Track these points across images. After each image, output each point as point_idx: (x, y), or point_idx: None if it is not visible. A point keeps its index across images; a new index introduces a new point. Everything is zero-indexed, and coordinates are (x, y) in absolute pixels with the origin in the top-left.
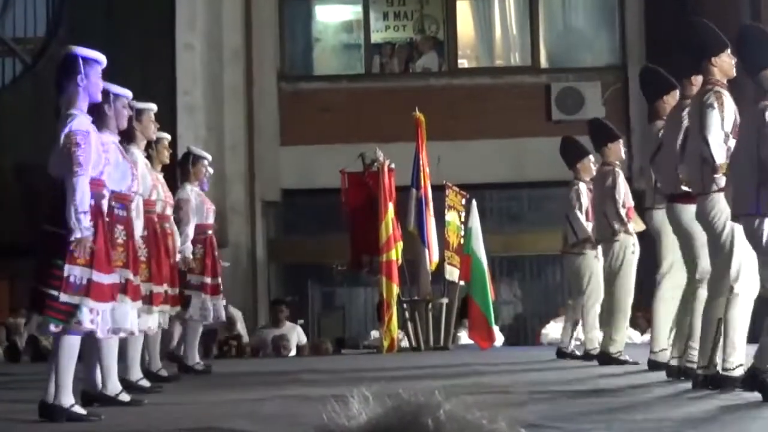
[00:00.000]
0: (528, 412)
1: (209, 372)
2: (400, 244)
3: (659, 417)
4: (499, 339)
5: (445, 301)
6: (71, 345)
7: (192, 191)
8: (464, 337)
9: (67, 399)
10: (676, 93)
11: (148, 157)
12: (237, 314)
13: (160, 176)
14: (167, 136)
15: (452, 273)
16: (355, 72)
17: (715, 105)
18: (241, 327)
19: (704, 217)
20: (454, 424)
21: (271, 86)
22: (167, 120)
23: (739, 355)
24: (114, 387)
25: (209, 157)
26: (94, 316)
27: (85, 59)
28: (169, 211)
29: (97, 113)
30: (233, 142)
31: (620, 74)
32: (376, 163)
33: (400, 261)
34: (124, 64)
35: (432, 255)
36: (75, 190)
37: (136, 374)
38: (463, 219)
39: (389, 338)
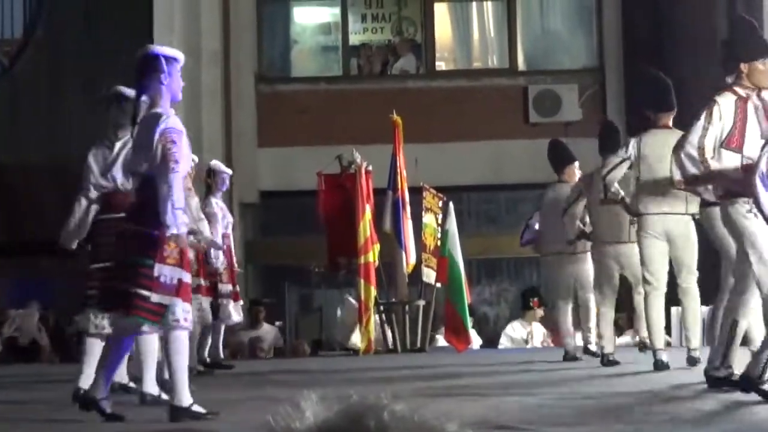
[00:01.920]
0: (498, 414)
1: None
2: (377, 247)
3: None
4: (476, 341)
5: (421, 303)
6: (182, 342)
7: (217, 205)
8: (441, 340)
9: (186, 399)
10: None
11: None
12: None
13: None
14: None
15: (429, 275)
16: (332, 74)
17: (702, 116)
18: None
19: (727, 221)
20: (399, 425)
21: (249, 88)
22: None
23: None
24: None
25: (230, 171)
26: (186, 314)
27: (167, 57)
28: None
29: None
30: (211, 144)
31: (597, 77)
32: (354, 165)
33: (377, 263)
34: (101, 67)
35: (409, 257)
36: (171, 187)
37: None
38: (440, 221)
39: (366, 340)
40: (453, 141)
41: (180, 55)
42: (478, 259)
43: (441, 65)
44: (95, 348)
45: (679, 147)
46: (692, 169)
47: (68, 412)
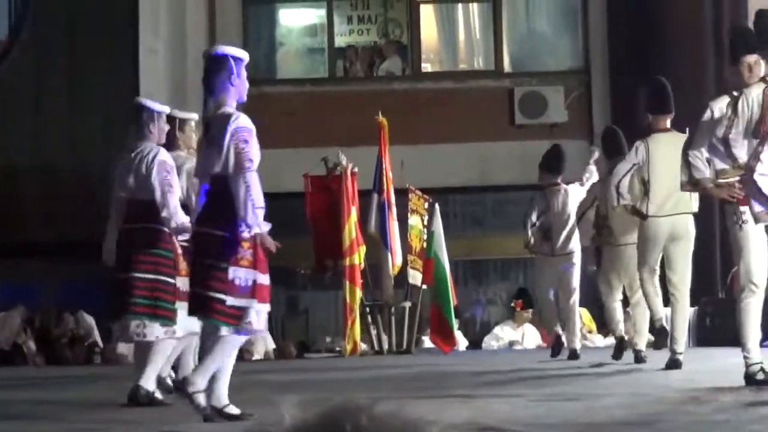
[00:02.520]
0: (484, 415)
1: None
2: (363, 249)
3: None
4: (462, 343)
5: (407, 304)
6: (234, 346)
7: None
8: (427, 341)
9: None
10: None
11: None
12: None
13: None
14: (195, 116)
15: (415, 277)
16: (318, 76)
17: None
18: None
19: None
20: (377, 428)
21: None
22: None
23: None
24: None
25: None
26: (258, 317)
27: (234, 58)
28: None
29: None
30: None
31: (583, 78)
32: (339, 167)
33: (362, 265)
34: (87, 69)
35: (395, 259)
36: (249, 186)
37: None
38: (426, 223)
39: (352, 342)
40: (439, 143)
41: (246, 55)
42: (464, 261)
43: (427, 67)
44: (165, 347)
45: (687, 149)
46: (701, 170)
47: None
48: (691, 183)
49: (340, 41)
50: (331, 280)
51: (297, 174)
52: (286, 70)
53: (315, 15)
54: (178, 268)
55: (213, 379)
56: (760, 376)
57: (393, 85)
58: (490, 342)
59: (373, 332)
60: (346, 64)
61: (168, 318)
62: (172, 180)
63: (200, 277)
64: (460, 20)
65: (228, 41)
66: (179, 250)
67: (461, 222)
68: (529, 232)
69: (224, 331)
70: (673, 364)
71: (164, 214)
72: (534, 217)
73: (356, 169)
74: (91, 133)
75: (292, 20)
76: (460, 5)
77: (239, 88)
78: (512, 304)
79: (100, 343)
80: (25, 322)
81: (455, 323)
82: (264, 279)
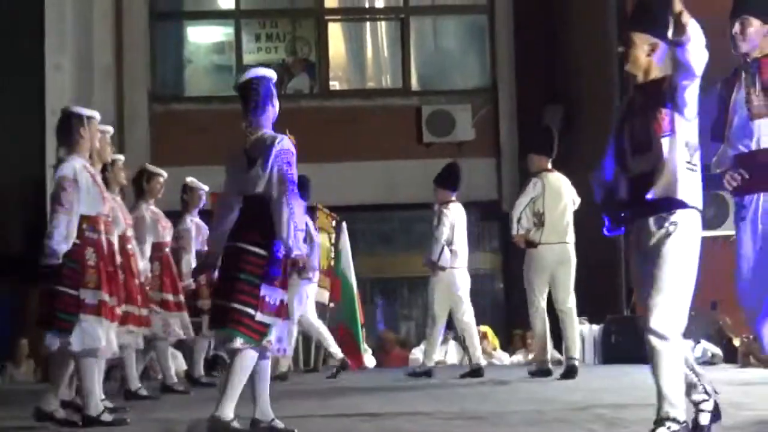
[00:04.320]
0: None
1: (188, 392)
2: None
3: None
4: (371, 361)
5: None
6: (251, 362)
7: (147, 210)
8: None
9: (229, 412)
10: None
11: (104, 179)
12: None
13: (118, 198)
14: (121, 158)
15: (322, 295)
16: (227, 93)
17: None
18: None
19: None
20: None
21: (142, 107)
22: (36, 140)
23: None
24: (96, 407)
25: (165, 174)
26: (277, 338)
27: (270, 80)
28: (130, 233)
29: (70, 136)
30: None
31: (490, 96)
32: None
33: None
34: None
35: None
36: (292, 209)
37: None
38: (333, 241)
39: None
40: (346, 160)
41: (274, 75)
42: (371, 279)
43: (335, 85)
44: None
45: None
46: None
47: None
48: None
49: (248, 59)
50: None
51: (204, 192)
52: (194, 87)
53: (223, 32)
54: (84, 280)
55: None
56: None
57: (301, 103)
58: (418, 355)
59: (313, 349)
60: None
61: (64, 329)
62: (63, 198)
63: (228, 290)
64: (369, 39)
65: (135, 58)
66: (91, 263)
67: (369, 240)
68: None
69: (239, 342)
70: (571, 370)
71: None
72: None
73: None
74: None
75: (200, 37)
76: (368, 24)
77: (275, 109)
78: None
79: None
80: None
81: (363, 341)
82: (286, 298)
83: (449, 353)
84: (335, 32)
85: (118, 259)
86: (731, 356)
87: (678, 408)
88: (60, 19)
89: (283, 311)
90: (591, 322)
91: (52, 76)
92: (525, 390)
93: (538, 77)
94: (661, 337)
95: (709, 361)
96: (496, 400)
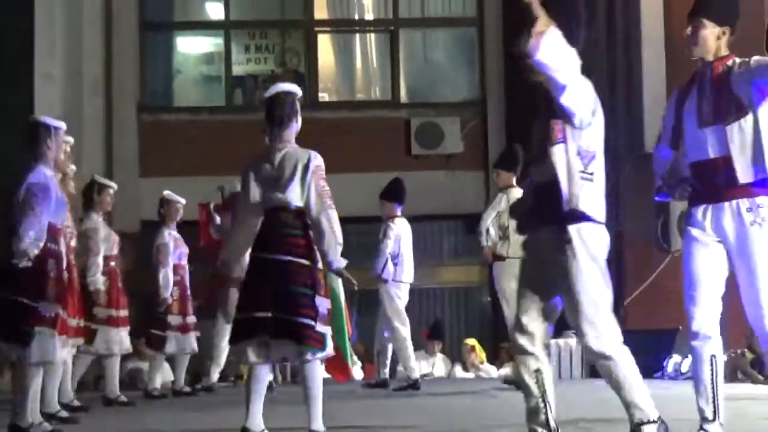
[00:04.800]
0: None
1: (133, 404)
2: None
3: None
4: (359, 373)
5: None
6: (321, 371)
7: (99, 221)
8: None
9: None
10: None
11: None
12: None
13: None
14: (73, 168)
15: None
16: (216, 104)
17: None
18: None
19: None
20: None
21: (131, 116)
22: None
23: None
24: (36, 416)
25: (115, 185)
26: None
27: (296, 95)
28: (73, 243)
29: (37, 146)
30: (91, 171)
31: (479, 109)
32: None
33: None
34: None
35: None
36: (333, 223)
37: (54, 406)
38: None
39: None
40: (335, 172)
41: (300, 91)
42: (360, 291)
43: (324, 96)
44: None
45: None
46: None
47: None
48: None
49: (237, 70)
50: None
51: (193, 202)
52: (183, 97)
53: (212, 43)
54: (45, 292)
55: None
56: None
57: None
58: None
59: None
60: (244, 93)
61: (20, 341)
62: (34, 203)
63: (287, 304)
64: (358, 50)
65: (124, 68)
66: (52, 275)
67: (358, 252)
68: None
69: (310, 355)
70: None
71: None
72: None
73: None
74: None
75: (190, 48)
76: (357, 35)
77: (299, 124)
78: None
79: None
80: None
81: (351, 354)
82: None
83: (437, 365)
84: (325, 44)
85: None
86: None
87: (646, 410)
88: (49, 28)
89: (328, 320)
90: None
91: (41, 85)
92: (512, 404)
93: (527, 90)
94: (606, 357)
95: None
96: (483, 414)
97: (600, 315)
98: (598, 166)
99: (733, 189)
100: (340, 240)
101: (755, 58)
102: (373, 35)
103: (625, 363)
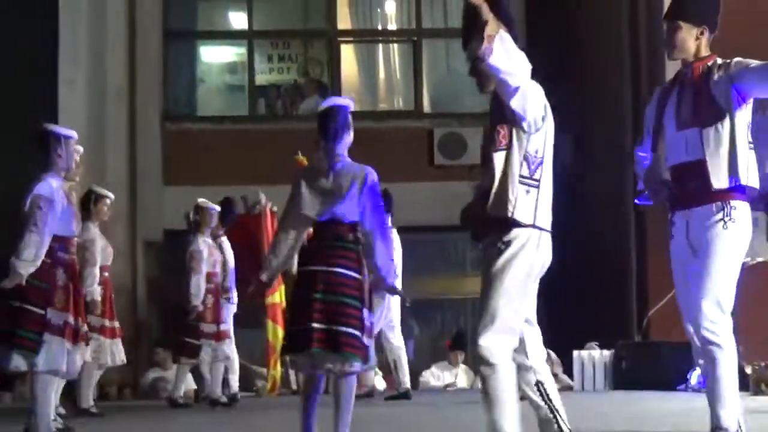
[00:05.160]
0: None
1: (103, 414)
2: (283, 288)
3: None
4: (381, 383)
5: None
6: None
7: (96, 232)
8: None
9: None
10: None
11: None
12: None
13: None
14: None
15: None
16: (239, 113)
17: None
18: None
19: None
20: None
21: (155, 125)
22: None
23: None
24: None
25: (112, 196)
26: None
27: (348, 109)
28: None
29: (47, 155)
30: (115, 181)
31: None
32: (258, 205)
33: (284, 304)
34: (5, 100)
35: None
36: (386, 240)
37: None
38: None
39: (272, 381)
40: None
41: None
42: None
43: None
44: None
45: None
46: None
47: None
48: None
49: (260, 79)
50: (252, 320)
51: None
52: (206, 107)
53: (235, 53)
54: (53, 300)
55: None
56: None
57: (313, 124)
58: (428, 378)
59: (291, 372)
60: (267, 103)
61: (29, 348)
62: (36, 217)
63: (335, 314)
64: (381, 60)
65: (148, 77)
66: (60, 283)
67: None
68: None
69: (356, 366)
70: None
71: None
72: None
73: (275, 208)
74: (6, 165)
75: (213, 57)
76: (380, 45)
77: (350, 138)
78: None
79: None
80: None
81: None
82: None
83: (459, 376)
84: (348, 54)
85: None
86: (743, 384)
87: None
88: (74, 37)
89: (372, 333)
90: (601, 347)
91: (64, 92)
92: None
93: (550, 101)
94: (488, 364)
95: None
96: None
97: (496, 324)
98: (546, 173)
99: (708, 194)
100: (392, 257)
101: (736, 60)
102: (396, 45)
103: (503, 379)
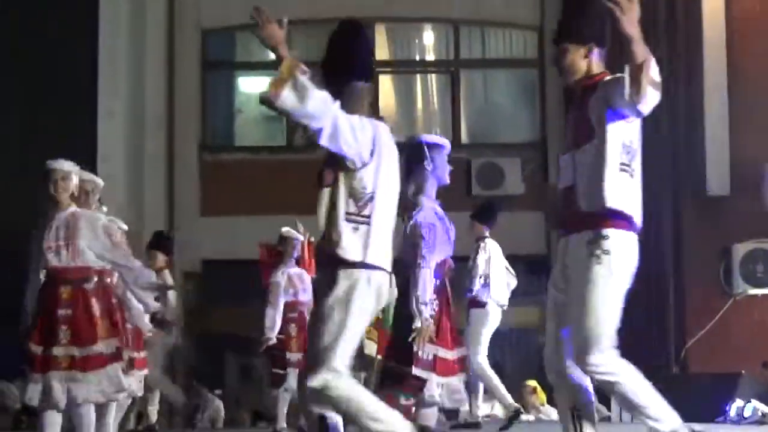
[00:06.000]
0: None
1: None
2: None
3: None
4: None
5: (362, 375)
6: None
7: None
8: None
9: None
10: None
11: None
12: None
13: None
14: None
15: (370, 347)
16: (276, 144)
17: None
18: None
19: None
20: None
21: (193, 156)
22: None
23: None
24: None
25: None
26: (440, 389)
27: (429, 145)
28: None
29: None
30: (153, 212)
31: (540, 150)
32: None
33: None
34: (45, 129)
35: None
36: (418, 281)
37: None
38: None
39: None
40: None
41: (446, 142)
42: None
43: None
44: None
45: None
46: None
47: None
48: None
49: None
50: None
51: (253, 241)
52: (244, 137)
53: None
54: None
55: None
56: None
57: None
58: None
59: None
60: (308, 133)
61: None
62: (30, 258)
63: (397, 352)
64: (419, 91)
65: (186, 107)
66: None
67: None
68: None
69: (403, 400)
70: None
71: None
72: None
73: (313, 239)
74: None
75: (251, 87)
76: (418, 76)
77: (436, 174)
78: None
79: None
80: None
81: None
82: (449, 354)
83: (497, 407)
84: (385, 84)
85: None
86: None
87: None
88: (114, 65)
89: (439, 365)
90: None
91: (104, 122)
92: None
93: None
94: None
95: (760, 420)
96: None
97: (318, 356)
98: (379, 208)
99: (581, 221)
100: (423, 299)
101: (609, 76)
102: (434, 76)
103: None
